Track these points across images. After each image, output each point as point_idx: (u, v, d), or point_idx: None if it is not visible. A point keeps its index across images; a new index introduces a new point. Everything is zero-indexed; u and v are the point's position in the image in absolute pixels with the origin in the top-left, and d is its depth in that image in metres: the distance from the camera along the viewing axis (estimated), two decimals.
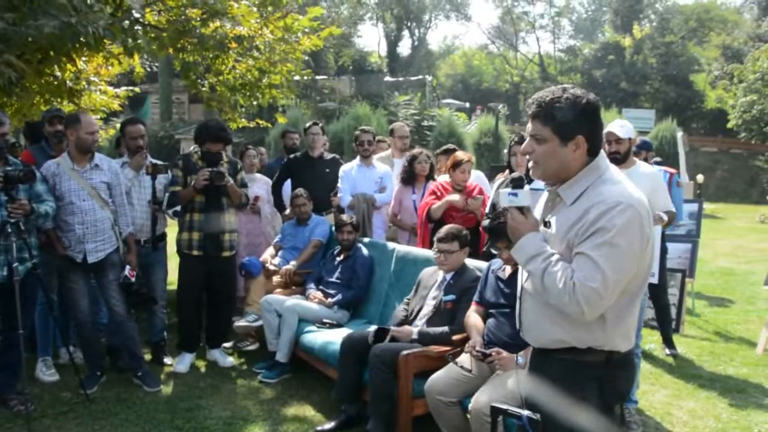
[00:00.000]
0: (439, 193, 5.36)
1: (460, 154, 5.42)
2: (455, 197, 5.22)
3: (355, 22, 43.05)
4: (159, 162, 5.37)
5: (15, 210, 4.03)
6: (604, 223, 2.04)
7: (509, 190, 2.25)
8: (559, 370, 2.22)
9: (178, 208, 5.27)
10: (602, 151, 2.25)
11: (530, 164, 2.27)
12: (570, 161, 2.17)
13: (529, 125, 2.21)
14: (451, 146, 6.50)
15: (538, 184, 2.38)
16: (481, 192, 5.37)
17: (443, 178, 5.53)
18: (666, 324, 5.85)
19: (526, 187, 2.27)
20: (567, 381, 2.19)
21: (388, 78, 33.47)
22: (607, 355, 2.18)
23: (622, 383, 2.30)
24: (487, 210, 4.92)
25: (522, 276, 2.37)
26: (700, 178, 18.72)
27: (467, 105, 36.35)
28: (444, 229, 4.24)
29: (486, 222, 4.68)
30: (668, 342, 5.75)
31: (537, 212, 2.39)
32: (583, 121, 2.15)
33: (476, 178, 5.70)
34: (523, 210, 2.25)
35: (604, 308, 2.09)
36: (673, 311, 6.53)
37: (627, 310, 2.20)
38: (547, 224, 2.26)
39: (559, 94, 2.16)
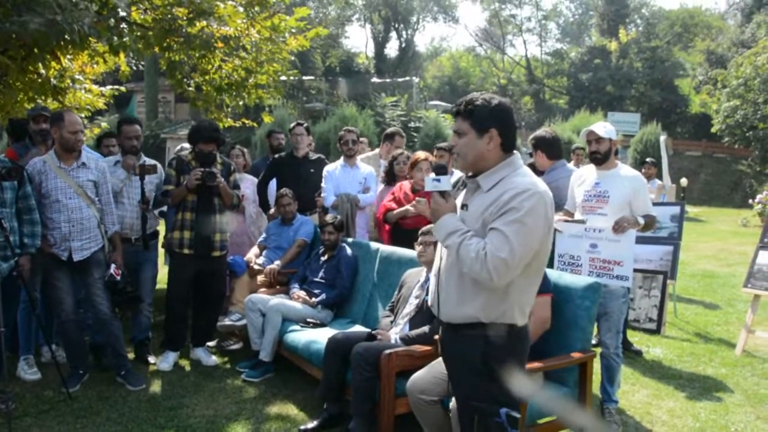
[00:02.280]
0: (396, 195, 5.48)
1: (419, 154, 5.51)
2: (409, 209, 5.31)
3: (343, 23, 43.00)
4: (147, 162, 5.37)
5: None
6: (515, 204, 2.38)
7: (433, 176, 2.57)
8: (466, 344, 2.55)
9: (165, 208, 5.29)
10: (517, 152, 2.60)
11: (454, 157, 2.62)
12: (485, 152, 2.52)
13: (454, 123, 2.61)
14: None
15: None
16: None
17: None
18: (625, 323, 5.93)
19: (449, 174, 2.54)
20: (473, 353, 2.52)
21: (375, 79, 33.45)
22: (507, 328, 2.51)
23: (520, 351, 2.63)
24: None
25: (437, 258, 2.71)
26: (683, 181, 18.78)
27: (454, 107, 36.34)
28: (428, 225, 4.27)
29: None
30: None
31: (458, 201, 2.72)
32: (495, 117, 2.51)
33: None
34: (444, 194, 2.56)
35: (511, 277, 2.40)
36: (655, 313, 6.61)
37: (527, 290, 2.55)
38: (465, 207, 2.60)
39: (477, 95, 2.56)
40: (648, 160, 10.10)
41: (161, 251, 5.85)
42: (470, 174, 2.62)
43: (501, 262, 2.33)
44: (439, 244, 2.71)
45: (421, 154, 5.47)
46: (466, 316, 2.53)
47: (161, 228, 5.66)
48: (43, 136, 5.13)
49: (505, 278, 2.38)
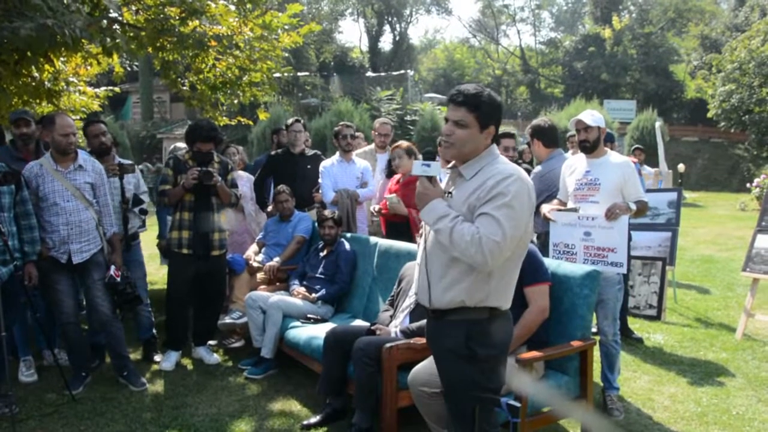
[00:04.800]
0: (391, 188, 5.65)
1: (398, 143, 5.73)
2: (380, 209, 5.68)
3: (336, 17, 42.96)
4: (125, 161, 5.36)
5: None
6: (502, 189, 2.46)
7: (422, 161, 2.64)
8: (451, 329, 2.63)
9: (144, 205, 5.30)
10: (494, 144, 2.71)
11: (443, 145, 2.64)
12: (480, 146, 2.61)
13: (452, 111, 2.60)
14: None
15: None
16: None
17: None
18: (625, 311, 5.96)
19: (437, 161, 2.54)
20: (458, 337, 2.60)
21: (369, 73, 33.41)
22: (489, 312, 2.60)
23: (502, 335, 2.69)
24: None
25: (422, 245, 2.75)
26: (681, 167, 18.87)
27: None
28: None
29: None
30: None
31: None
32: (496, 115, 2.61)
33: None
34: (431, 179, 2.61)
35: (501, 261, 2.48)
36: (655, 299, 6.63)
37: (510, 273, 2.65)
38: (448, 194, 2.66)
39: (481, 90, 2.59)
40: (636, 146, 10.11)
41: (155, 252, 5.84)
42: (453, 164, 2.71)
43: (495, 245, 2.40)
44: (422, 235, 2.78)
45: (400, 143, 5.65)
46: (452, 301, 2.60)
47: (150, 231, 5.63)
48: (25, 140, 5.10)
49: (498, 261, 2.45)
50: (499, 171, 2.53)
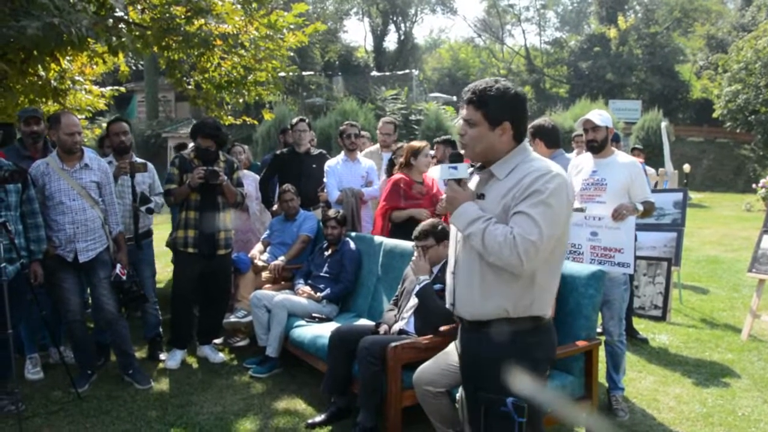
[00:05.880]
0: (403, 190, 5.36)
1: (416, 144, 5.52)
2: (421, 213, 5.22)
3: (341, 17, 42.92)
4: (139, 160, 5.38)
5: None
6: (539, 186, 2.30)
7: (449, 164, 2.47)
8: (490, 343, 2.43)
9: (152, 205, 5.32)
10: (526, 140, 2.52)
11: (461, 146, 2.51)
12: (496, 144, 2.44)
13: (463, 110, 2.47)
14: (450, 137, 6.61)
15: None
16: (434, 183, 5.52)
17: (435, 170, 5.61)
18: (630, 311, 5.95)
19: (465, 162, 2.46)
20: (500, 353, 2.39)
21: (374, 73, 33.42)
22: (533, 322, 2.42)
23: (549, 348, 2.54)
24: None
25: (452, 256, 2.59)
26: (686, 167, 18.83)
27: (454, 98, 36.28)
28: (418, 228, 4.23)
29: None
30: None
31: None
32: (509, 109, 2.42)
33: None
34: (460, 182, 2.46)
35: (538, 263, 2.31)
36: (660, 300, 6.61)
37: (552, 277, 2.47)
38: (481, 196, 2.48)
39: (492, 84, 2.43)
40: (636, 146, 10.07)
41: (164, 251, 5.86)
42: (479, 165, 2.55)
43: (531, 245, 2.25)
44: (452, 241, 2.62)
45: (418, 144, 5.50)
46: (492, 311, 2.41)
47: (157, 228, 5.64)
48: (34, 138, 5.11)
49: (534, 262, 2.29)
50: (535, 168, 2.37)
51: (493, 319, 2.42)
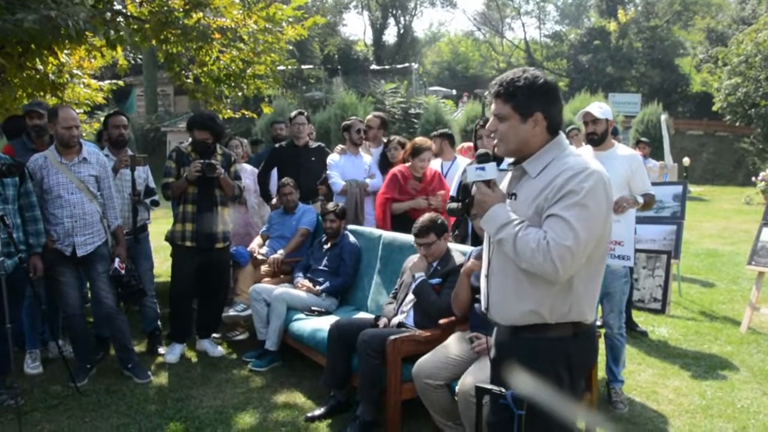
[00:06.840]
0: (399, 183, 5.44)
1: (419, 141, 5.51)
2: (420, 203, 5.33)
3: (340, 10, 42.86)
4: (137, 153, 5.37)
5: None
6: (574, 186, 2.12)
7: (476, 165, 2.31)
8: (527, 349, 2.27)
9: (156, 197, 5.31)
10: (562, 133, 2.34)
11: (495, 142, 2.35)
12: (530, 137, 2.27)
13: (492, 105, 2.32)
14: (448, 131, 6.60)
15: (503, 164, 2.48)
16: (439, 179, 5.55)
17: (436, 163, 5.65)
18: (630, 304, 5.96)
19: (492, 162, 2.31)
20: (537, 360, 2.24)
21: (374, 66, 33.38)
22: (573, 328, 2.25)
23: (589, 356, 2.41)
24: (453, 193, 4.98)
25: (485, 260, 2.44)
26: (686, 161, 18.79)
27: (454, 92, 36.35)
28: (417, 224, 4.21)
29: (453, 205, 4.76)
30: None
31: (502, 189, 2.42)
32: (540, 99, 2.24)
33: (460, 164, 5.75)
34: (489, 183, 2.30)
35: (575, 269, 2.15)
36: (659, 292, 6.61)
37: (594, 279, 2.29)
38: (513, 196, 2.33)
39: (519, 74, 2.26)
40: (642, 139, 10.07)
41: (163, 244, 5.85)
42: (513, 161, 2.38)
43: (566, 251, 2.08)
44: (486, 244, 2.48)
45: (421, 141, 5.48)
46: (528, 315, 2.25)
47: (156, 222, 5.64)
48: (39, 132, 5.11)
49: (570, 269, 2.12)
50: (570, 166, 2.18)
51: (529, 324, 2.27)
